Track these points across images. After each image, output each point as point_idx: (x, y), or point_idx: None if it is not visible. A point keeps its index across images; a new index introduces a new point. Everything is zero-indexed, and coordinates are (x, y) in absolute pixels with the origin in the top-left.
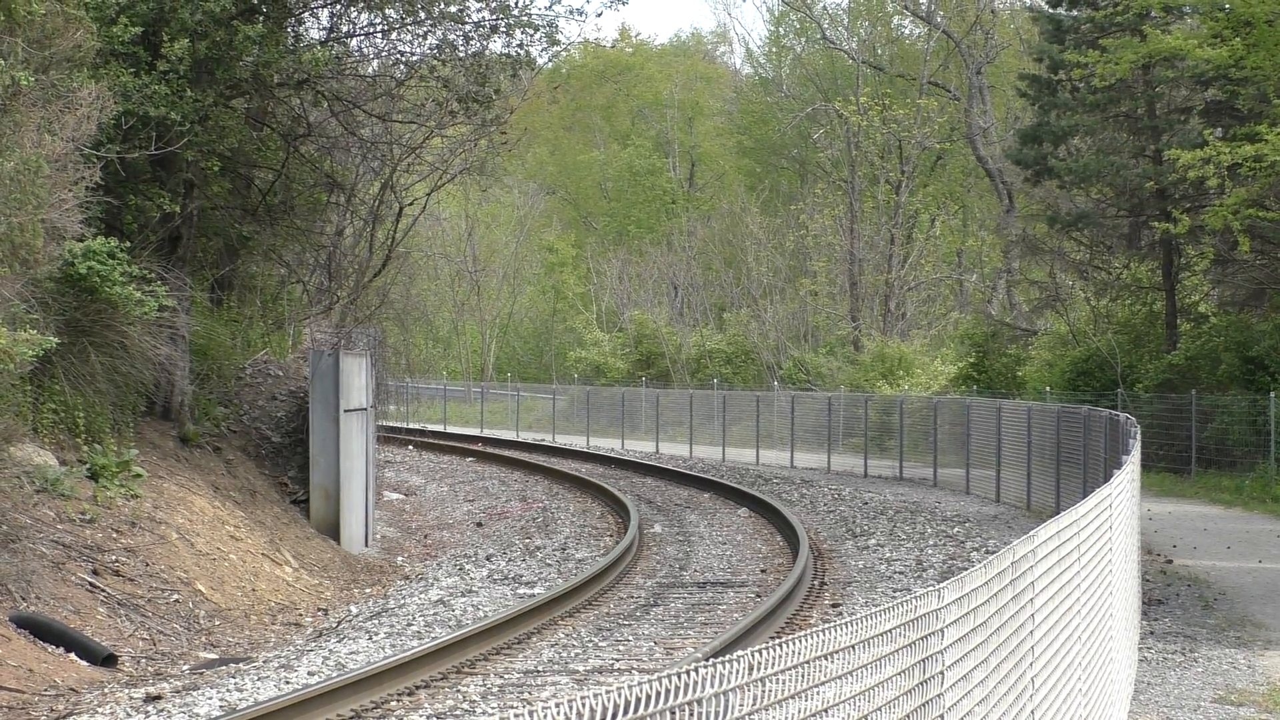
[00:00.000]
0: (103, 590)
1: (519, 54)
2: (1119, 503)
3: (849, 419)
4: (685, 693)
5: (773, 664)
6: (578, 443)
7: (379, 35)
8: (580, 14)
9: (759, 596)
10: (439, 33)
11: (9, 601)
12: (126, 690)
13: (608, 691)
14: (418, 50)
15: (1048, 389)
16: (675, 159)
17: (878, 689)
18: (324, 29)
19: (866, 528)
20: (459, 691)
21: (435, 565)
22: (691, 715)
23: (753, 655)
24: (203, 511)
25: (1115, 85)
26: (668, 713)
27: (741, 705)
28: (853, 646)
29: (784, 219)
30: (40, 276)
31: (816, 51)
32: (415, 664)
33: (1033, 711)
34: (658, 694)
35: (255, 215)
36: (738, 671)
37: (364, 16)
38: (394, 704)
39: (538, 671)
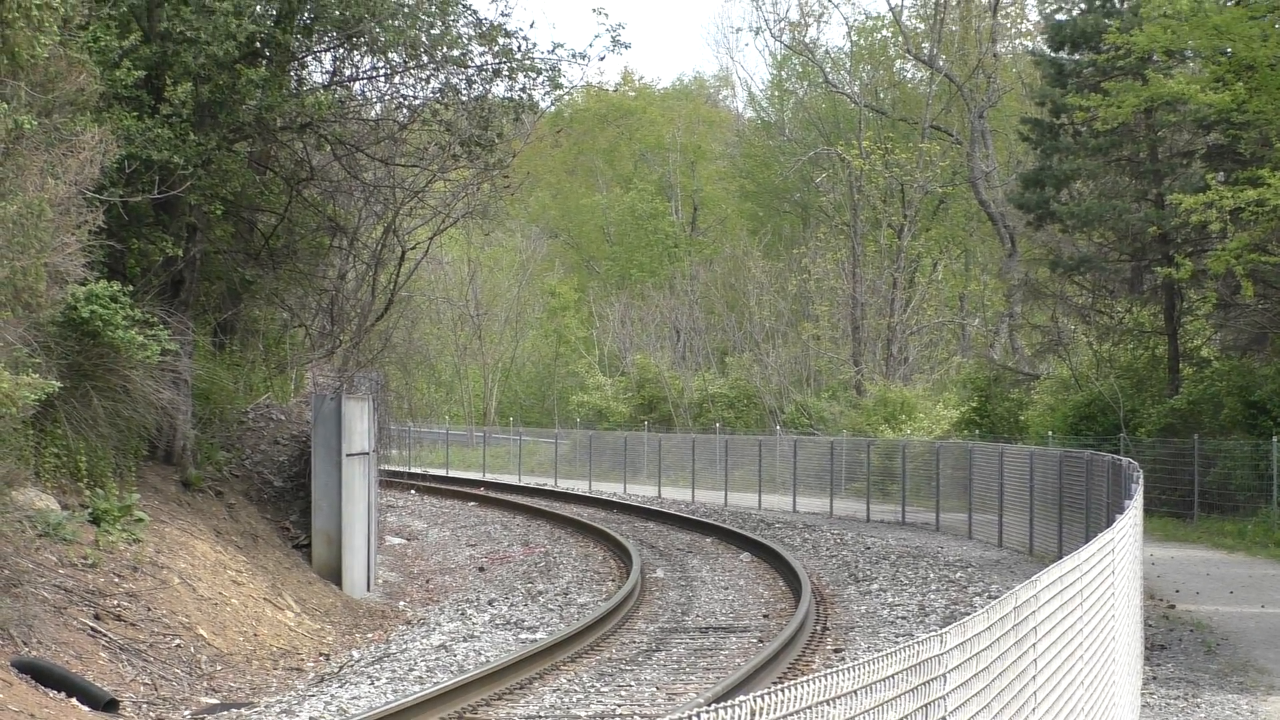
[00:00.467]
0: (104, 635)
1: (521, 98)
2: (1121, 547)
3: (851, 463)
4: None
5: (775, 709)
6: (580, 487)
7: (382, 79)
8: (583, 58)
9: (761, 641)
10: (442, 76)
11: (10, 646)
12: None
13: None
14: (420, 94)
15: (1050, 433)
16: (678, 202)
17: None
18: (327, 73)
19: (869, 572)
20: None
21: (437, 610)
22: None
23: (755, 700)
24: (204, 556)
25: (1117, 129)
26: None
27: None
28: (855, 691)
29: (786, 263)
30: (43, 320)
31: (819, 95)
32: (417, 709)
33: None
34: None
35: (258, 259)
36: (740, 716)
37: (367, 60)
38: None
39: (540, 717)
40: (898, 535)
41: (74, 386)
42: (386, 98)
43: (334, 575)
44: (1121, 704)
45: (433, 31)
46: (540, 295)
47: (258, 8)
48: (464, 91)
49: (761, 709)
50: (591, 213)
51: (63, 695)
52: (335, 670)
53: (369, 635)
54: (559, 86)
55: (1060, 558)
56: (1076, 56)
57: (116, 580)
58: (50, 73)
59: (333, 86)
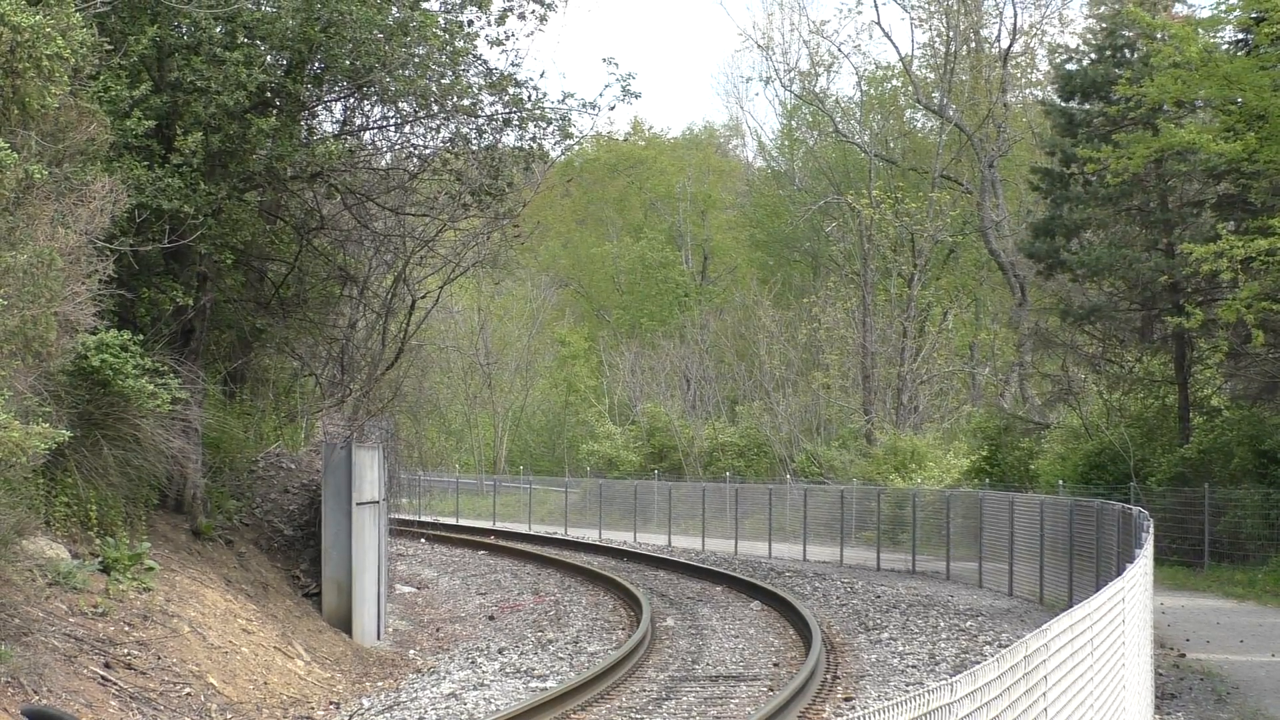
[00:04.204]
0: (115, 684)
1: (532, 147)
2: (1132, 596)
3: (861, 512)
4: None
5: None
6: (590, 535)
7: (392, 128)
8: (593, 107)
9: (772, 690)
10: (452, 126)
11: (21, 695)
12: None
13: None
14: (431, 143)
15: (1061, 482)
16: (688, 252)
17: None
18: (337, 122)
19: (879, 621)
20: None
21: (447, 658)
22: None
23: None
24: (215, 604)
25: (1128, 179)
26: None
27: None
28: None
29: (796, 312)
30: (53, 370)
31: (829, 145)
32: None
33: None
34: None
35: (268, 308)
36: None
37: (377, 110)
38: None
39: None
40: (908, 584)
41: (84, 435)
42: (397, 147)
43: (344, 624)
44: None
45: (443, 81)
46: (550, 344)
47: (268, 58)
48: (474, 141)
49: None
50: (602, 262)
51: None
52: (346, 719)
53: (379, 684)
54: (569, 136)
55: (1071, 606)
56: (1087, 106)
57: (127, 629)
58: (61, 122)
59: (343, 136)
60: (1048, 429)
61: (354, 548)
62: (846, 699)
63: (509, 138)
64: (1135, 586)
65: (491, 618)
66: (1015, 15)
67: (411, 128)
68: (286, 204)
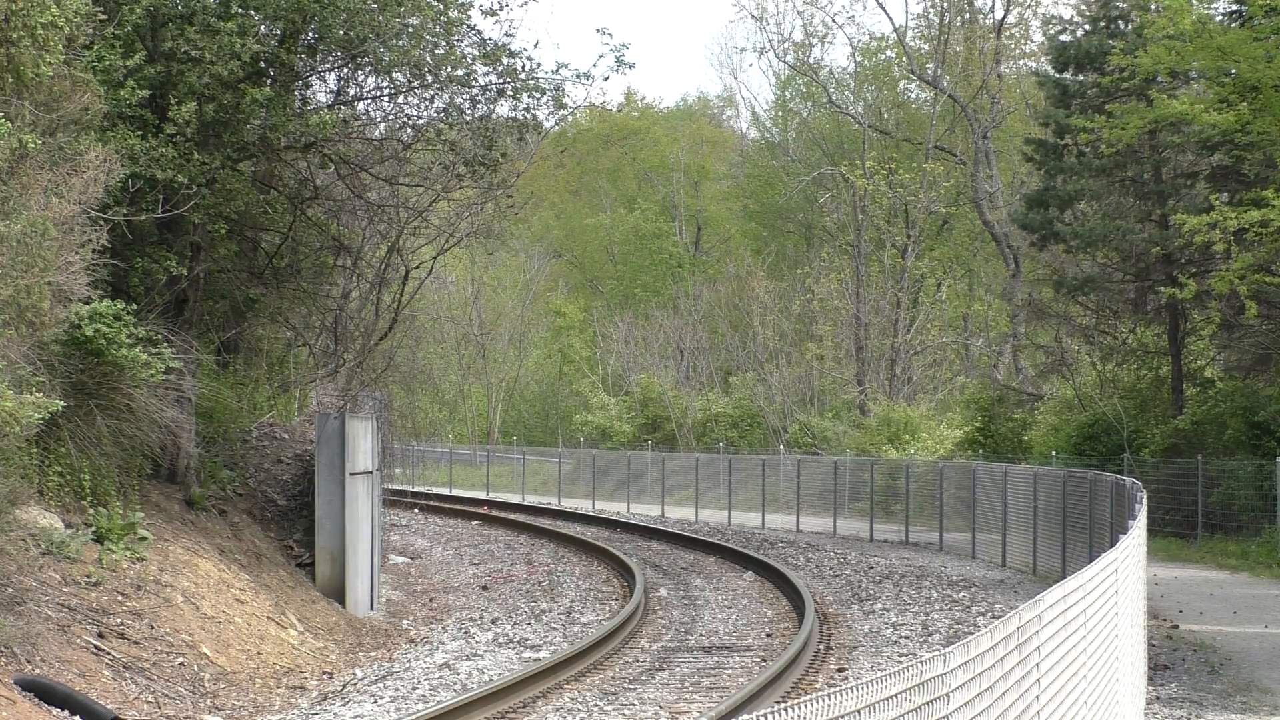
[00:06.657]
0: (108, 653)
1: (525, 117)
2: (1125, 567)
3: (855, 483)
4: None
5: None
6: (583, 506)
7: (386, 99)
8: (586, 78)
9: (765, 661)
10: (446, 96)
11: (14, 664)
12: None
13: None
14: (425, 114)
15: (1054, 453)
16: (681, 222)
17: None
18: (331, 92)
19: (872, 592)
20: None
21: (441, 629)
22: None
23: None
24: (208, 574)
25: (1121, 150)
26: None
27: None
28: (858, 711)
29: (790, 283)
30: (47, 339)
31: (822, 115)
32: None
33: None
34: None
35: (262, 278)
36: None
37: (371, 80)
38: None
39: None
40: (901, 555)
41: (78, 405)
42: (391, 117)
43: (337, 594)
44: None
45: (437, 52)
46: (544, 315)
47: (262, 27)
48: (468, 111)
49: None
50: (595, 233)
51: (66, 714)
52: (339, 689)
53: (372, 654)
54: (563, 106)
55: (1064, 578)
56: (1080, 77)
57: (120, 598)
58: (55, 92)
59: (337, 106)
60: (1041, 400)
61: (347, 518)
62: (840, 670)
63: (503, 108)
64: (1128, 558)
65: (485, 588)
66: None
67: (405, 98)
68: (280, 174)
